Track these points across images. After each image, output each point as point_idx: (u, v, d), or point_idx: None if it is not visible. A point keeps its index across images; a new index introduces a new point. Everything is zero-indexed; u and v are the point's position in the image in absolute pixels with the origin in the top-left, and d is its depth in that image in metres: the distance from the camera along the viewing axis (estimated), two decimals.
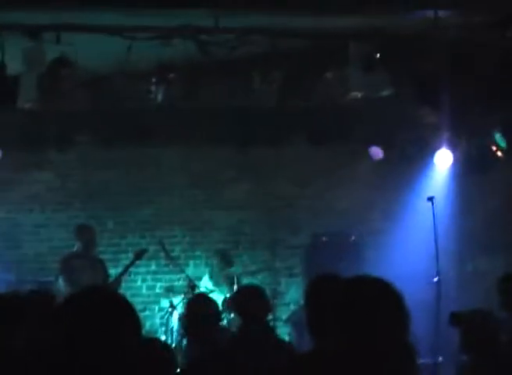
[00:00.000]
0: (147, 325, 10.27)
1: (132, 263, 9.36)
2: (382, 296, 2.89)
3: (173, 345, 8.75)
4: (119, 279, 9.17)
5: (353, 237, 10.26)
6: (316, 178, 10.67)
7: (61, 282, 8.94)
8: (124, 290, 9.31)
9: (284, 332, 9.67)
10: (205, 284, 9.81)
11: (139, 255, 9.35)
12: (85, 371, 2.14)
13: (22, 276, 9.94)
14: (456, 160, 9.58)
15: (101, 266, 9.35)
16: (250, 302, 5.67)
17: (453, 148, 9.52)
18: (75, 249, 9.34)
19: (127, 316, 2.26)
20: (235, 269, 9.90)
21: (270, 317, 8.66)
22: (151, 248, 10.05)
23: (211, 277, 9.89)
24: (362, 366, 2.74)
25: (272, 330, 6.23)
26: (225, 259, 9.89)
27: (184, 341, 8.80)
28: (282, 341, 5.93)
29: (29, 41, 7.22)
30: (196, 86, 8.56)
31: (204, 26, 7.28)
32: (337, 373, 2.78)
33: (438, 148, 9.54)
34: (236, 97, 8.71)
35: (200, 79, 8.61)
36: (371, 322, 2.81)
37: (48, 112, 8.80)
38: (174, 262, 10.00)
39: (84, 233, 9.39)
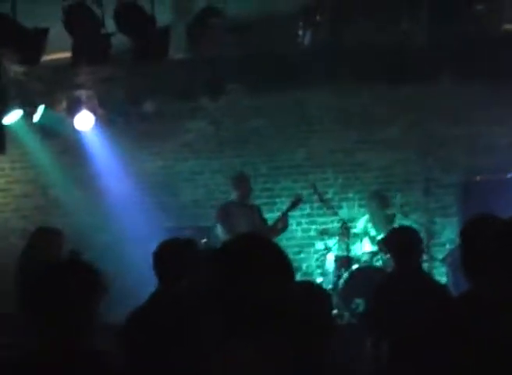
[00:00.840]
0: (303, 267, 10.42)
1: (287, 211, 9.47)
2: None
3: (329, 287, 8.85)
4: (274, 227, 9.29)
5: (509, 175, 9.95)
6: (469, 115, 10.37)
7: (219, 229, 9.15)
8: None
9: (441, 272, 9.57)
10: (362, 226, 9.80)
11: (295, 204, 9.47)
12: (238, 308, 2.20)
13: (181, 222, 10.26)
14: None
15: (257, 212, 9.48)
16: (403, 243, 5.73)
17: None
18: (232, 198, 9.47)
19: (279, 261, 2.30)
20: (391, 211, 9.85)
21: (425, 257, 8.65)
22: (305, 192, 10.14)
23: (371, 219, 9.83)
24: None
25: (425, 271, 6.23)
26: (383, 201, 9.82)
27: (340, 283, 8.90)
28: (436, 282, 5.94)
29: None
30: (343, 25, 8.44)
31: None
32: (492, 315, 2.74)
33: None
34: (384, 35, 8.53)
35: (347, 17, 8.47)
36: None
37: (198, 61, 8.94)
38: (327, 205, 10.04)
39: (241, 182, 9.50)
